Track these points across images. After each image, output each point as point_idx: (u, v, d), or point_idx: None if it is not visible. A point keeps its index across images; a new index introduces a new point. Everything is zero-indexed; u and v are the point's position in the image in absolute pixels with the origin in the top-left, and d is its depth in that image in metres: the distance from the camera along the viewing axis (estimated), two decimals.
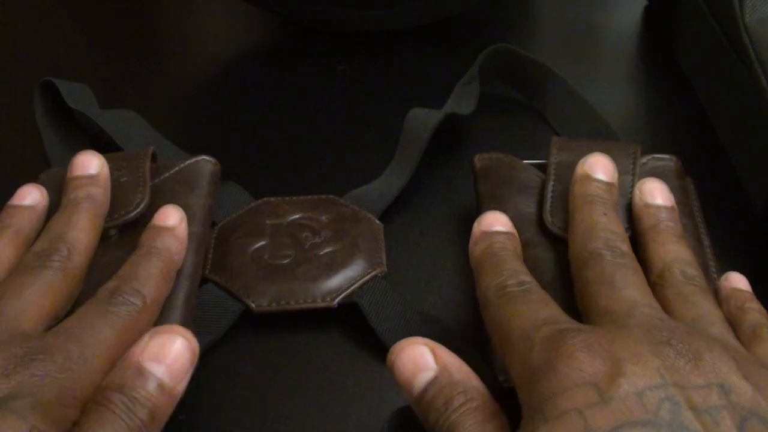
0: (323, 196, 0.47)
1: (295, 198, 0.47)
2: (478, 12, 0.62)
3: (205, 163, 0.46)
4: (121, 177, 0.44)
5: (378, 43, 0.60)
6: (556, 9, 0.64)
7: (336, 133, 0.54)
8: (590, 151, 0.44)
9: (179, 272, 0.41)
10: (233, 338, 0.42)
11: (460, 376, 0.34)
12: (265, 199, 0.47)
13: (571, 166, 0.44)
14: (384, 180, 0.49)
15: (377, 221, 0.46)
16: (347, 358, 0.42)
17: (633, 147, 0.45)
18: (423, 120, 0.50)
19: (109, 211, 0.42)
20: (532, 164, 0.46)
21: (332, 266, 0.43)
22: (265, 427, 0.39)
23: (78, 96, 0.52)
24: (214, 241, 0.45)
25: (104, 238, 0.42)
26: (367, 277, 0.43)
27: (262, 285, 0.43)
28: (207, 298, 0.42)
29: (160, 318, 0.39)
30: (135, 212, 0.42)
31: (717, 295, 0.38)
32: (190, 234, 0.42)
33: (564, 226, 0.42)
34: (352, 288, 0.42)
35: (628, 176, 0.43)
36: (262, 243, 0.44)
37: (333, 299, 0.42)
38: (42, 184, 0.44)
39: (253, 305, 0.42)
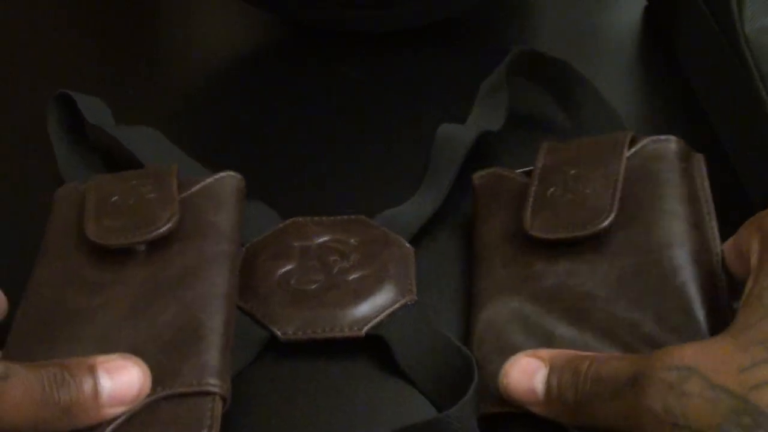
0: (353, 217, 0.46)
1: (324, 218, 0.46)
2: (478, 12, 0.62)
3: (231, 179, 0.45)
4: (148, 193, 0.43)
5: (378, 43, 0.60)
6: (556, 9, 0.63)
7: (337, 136, 0.54)
8: (577, 152, 0.43)
9: (215, 294, 0.40)
10: (257, 362, 0.42)
11: (569, 355, 0.35)
12: (293, 219, 0.46)
13: (556, 169, 0.43)
14: (416, 201, 0.48)
15: (407, 245, 0.45)
16: (373, 387, 0.41)
17: (621, 136, 0.44)
18: (455, 139, 0.49)
19: (137, 226, 0.41)
20: (524, 172, 0.46)
21: (360, 293, 0.42)
22: None
23: (95, 111, 0.51)
24: (241, 263, 0.44)
25: (132, 253, 0.41)
26: (396, 306, 0.42)
27: (288, 312, 0.42)
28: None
29: (198, 341, 0.38)
30: (165, 227, 0.41)
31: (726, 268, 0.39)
32: (221, 252, 0.41)
33: (547, 229, 0.41)
34: (381, 318, 0.41)
35: (612, 164, 0.42)
36: (290, 267, 0.43)
37: (361, 328, 0.41)
38: (60, 201, 0.44)
39: (279, 333, 0.41)
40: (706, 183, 0.43)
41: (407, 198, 0.48)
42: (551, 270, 0.41)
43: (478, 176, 0.47)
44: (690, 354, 0.31)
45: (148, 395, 0.36)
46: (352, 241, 0.44)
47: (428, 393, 0.40)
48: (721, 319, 0.37)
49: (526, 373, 0.35)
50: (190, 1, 0.65)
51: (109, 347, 0.38)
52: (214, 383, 0.37)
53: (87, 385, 0.34)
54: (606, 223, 0.40)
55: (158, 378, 0.37)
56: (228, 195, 0.44)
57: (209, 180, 0.45)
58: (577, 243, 0.41)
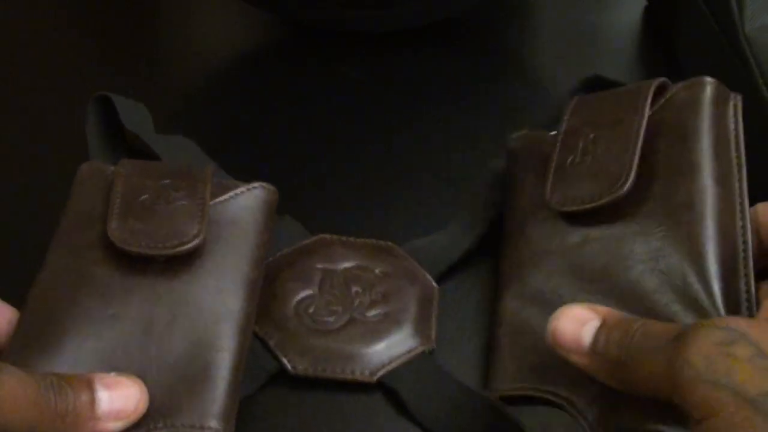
0: (382, 243, 0.45)
1: (351, 240, 0.45)
2: (478, 12, 0.62)
3: (263, 191, 0.43)
4: (180, 198, 0.40)
5: (378, 43, 0.60)
6: (556, 9, 0.63)
7: (337, 136, 0.54)
8: (599, 110, 0.41)
9: (231, 327, 0.38)
10: (264, 388, 0.41)
11: (622, 315, 0.35)
12: (320, 236, 0.45)
13: (577, 132, 0.41)
14: (448, 235, 0.46)
15: (434, 283, 0.44)
16: (385, 429, 0.40)
17: (644, 87, 0.41)
18: (500, 174, 0.47)
19: (163, 235, 0.39)
20: (555, 134, 0.44)
21: (378, 334, 0.41)
22: None
23: (134, 115, 0.50)
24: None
25: (152, 261, 0.39)
26: (413, 354, 0.41)
27: (301, 344, 0.41)
28: None
29: (206, 380, 0.37)
30: (192, 244, 0.39)
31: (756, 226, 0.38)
32: (244, 279, 0.40)
33: (564, 202, 0.40)
34: (395, 365, 0.41)
35: (631, 124, 0.40)
36: (309, 292, 0.42)
37: (373, 374, 0.40)
38: (84, 181, 0.42)
39: (289, 366, 0.40)
40: (740, 127, 0.40)
41: (407, 198, 0.48)
42: (574, 240, 0.40)
43: (512, 139, 0.46)
44: (741, 322, 0.31)
45: (149, 429, 0.35)
46: (377, 271, 0.43)
47: None
48: (737, 289, 0.36)
49: (577, 321, 0.35)
50: (190, 1, 0.65)
51: (115, 366, 0.36)
52: (216, 428, 0.36)
53: (84, 395, 0.34)
54: (623, 190, 0.39)
55: (160, 410, 0.36)
56: (259, 209, 0.42)
57: (241, 190, 0.42)
58: (596, 211, 0.40)
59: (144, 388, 0.36)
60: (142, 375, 0.36)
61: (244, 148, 0.53)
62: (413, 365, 0.41)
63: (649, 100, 0.41)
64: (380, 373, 0.40)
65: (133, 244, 0.39)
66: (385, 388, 0.41)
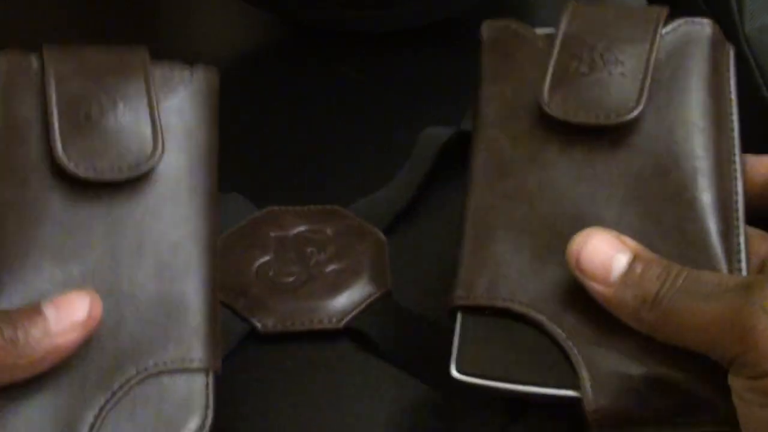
0: (328, 207, 0.47)
1: (299, 208, 0.46)
2: (478, 12, 0.62)
3: (205, 74, 0.40)
4: (125, 109, 0.37)
5: (378, 43, 0.60)
6: (556, 9, 0.63)
7: (338, 136, 0.54)
8: (606, 21, 0.39)
9: (198, 249, 0.36)
10: (237, 352, 0.42)
11: (656, 255, 0.33)
12: (268, 208, 0.46)
13: (582, 39, 0.39)
14: (391, 190, 0.48)
15: (382, 236, 0.45)
16: (356, 371, 0.41)
17: (658, 11, 0.40)
18: (435, 137, 0.49)
19: (115, 157, 0.36)
20: (544, 34, 0.41)
21: (337, 286, 0.43)
22: None
23: None
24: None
25: (107, 186, 0.36)
26: (372, 299, 0.43)
27: (267, 304, 0.42)
28: None
29: (183, 312, 0.35)
30: (148, 164, 0.36)
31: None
32: (201, 187, 0.37)
33: (565, 108, 0.37)
34: (358, 310, 0.42)
35: (645, 45, 0.38)
36: (267, 258, 0.44)
37: (339, 321, 0.42)
38: (4, 77, 0.37)
39: (258, 326, 0.42)
40: (734, 80, 0.40)
41: None
42: (564, 159, 0.37)
43: (488, 27, 0.42)
44: None
45: (136, 374, 0.34)
46: (327, 231, 0.45)
47: (412, 373, 0.41)
48: (733, 241, 0.36)
49: (608, 247, 0.33)
50: (190, 1, 0.65)
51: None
52: (201, 358, 0.35)
53: (32, 316, 0.33)
54: (634, 114, 0.37)
55: (146, 349, 0.35)
56: (205, 103, 0.39)
57: (184, 80, 0.39)
58: (595, 131, 0.38)
59: (95, 295, 0.34)
60: (118, 314, 0.35)
61: (244, 148, 0.53)
62: (375, 307, 0.42)
63: (662, 25, 0.39)
64: (346, 320, 0.42)
65: (87, 170, 0.36)
66: (352, 334, 0.42)
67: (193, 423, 0.34)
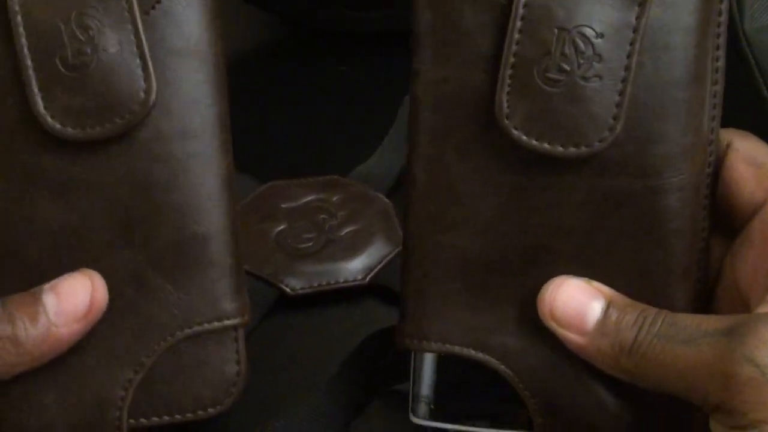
0: (328, 177, 0.48)
1: (302, 180, 0.48)
2: None
3: None
4: (106, 45, 0.31)
5: (378, 43, 0.60)
6: None
7: (338, 135, 0.54)
8: None
9: (213, 187, 0.33)
10: (265, 318, 0.43)
11: (629, 299, 0.32)
12: (272, 183, 0.48)
13: (552, 15, 0.30)
14: (384, 155, 0.49)
15: (386, 200, 0.47)
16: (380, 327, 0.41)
17: None
18: None
19: (102, 107, 0.31)
20: None
21: (356, 247, 0.45)
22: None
23: None
24: None
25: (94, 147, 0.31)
26: (392, 255, 0.44)
27: (293, 268, 0.44)
28: None
29: (204, 261, 0.32)
30: (141, 113, 0.31)
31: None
32: (211, 117, 0.33)
33: (528, 127, 0.30)
34: (380, 266, 0.44)
35: (628, 31, 0.30)
36: (282, 227, 0.45)
37: (364, 278, 0.44)
38: None
39: (287, 289, 0.43)
40: (722, 28, 0.32)
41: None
42: (521, 182, 0.31)
43: None
44: None
45: (166, 340, 0.32)
46: (334, 199, 0.47)
47: None
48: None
49: (582, 295, 0.31)
50: None
51: (107, 280, 0.32)
52: (231, 312, 0.33)
53: (30, 309, 0.31)
54: (608, 141, 0.30)
55: (172, 316, 0.32)
56: (205, 10, 0.33)
57: None
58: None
59: (97, 278, 0.32)
60: (137, 278, 0.32)
61: (244, 148, 0.53)
62: (394, 264, 0.44)
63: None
64: (371, 275, 0.44)
65: (74, 125, 0.31)
66: (376, 290, 0.44)
67: (229, 381, 0.33)
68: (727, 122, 0.51)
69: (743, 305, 0.32)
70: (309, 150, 0.53)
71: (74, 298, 0.31)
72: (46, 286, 0.32)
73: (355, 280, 0.44)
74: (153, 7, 0.31)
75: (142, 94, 0.31)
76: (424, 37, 0.33)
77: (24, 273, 0.32)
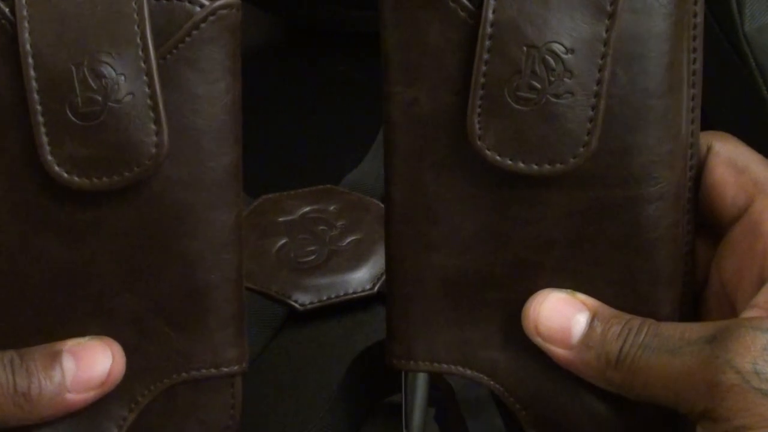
0: (321, 187, 0.48)
1: (293, 192, 0.47)
2: None
3: (228, 13, 0.31)
4: (120, 92, 0.29)
5: (377, 43, 0.60)
6: None
7: (338, 135, 0.54)
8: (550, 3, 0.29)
9: (222, 236, 0.32)
10: (274, 336, 0.43)
11: (614, 310, 0.32)
12: (263, 197, 0.47)
13: (520, 33, 0.29)
14: (374, 160, 0.49)
15: (381, 205, 0.46)
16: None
17: None
18: None
19: (112, 158, 0.29)
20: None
21: (360, 256, 0.44)
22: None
23: None
24: None
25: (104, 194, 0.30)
26: None
27: (300, 283, 0.43)
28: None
29: (207, 310, 0.32)
30: (150, 164, 0.29)
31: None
32: (222, 164, 0.32)
33: (501, 147, 0.29)
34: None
35: (598, 44, 0.29)
36: (283, 242, 0.45)
37: (373, 287, 0.43)
38: None
39: (297, 305, 0.43)
40: (699, 19, 0.32)
41: None
42: (500, 198, 0.31)
43: None
44: None
45: (163, 382, 0.32)
46: (331, 208, 0.46)
47: None
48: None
49: (566, 308, 0.31)
50: None
51: (109, 322, 0.32)
52: (230, 360, 0.33)
53: (49, 368, 0.31)
54: (582, 158, 0.30)
55: (171, 360, 0.32)
56: (220, 45, 0.32)
57: (197, 27, 0.30)
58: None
59: (118, 351, 0.32)
60: (139, 322, 0.32)
61: (243, 149, 0.53)
62: None
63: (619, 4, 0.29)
64: (379, 284, 0.44)
65: (80, 176, 0.30)
66: (384, 297, 0.41)
67: (222, 427, 0.33)
68: (727, 122, 0.51)
69: (731, 308, 0.32)
70: (300, 157, 0.53)
71: (93, 368, 0.31)
72: (66, 346, 0.31)
73: (363, 291, 0.43)
74: (170, 53, 0.30)
75: (153, 149, 0.30)
76: (392, 57, 0.31)
77: (28, 310, 0.32)
